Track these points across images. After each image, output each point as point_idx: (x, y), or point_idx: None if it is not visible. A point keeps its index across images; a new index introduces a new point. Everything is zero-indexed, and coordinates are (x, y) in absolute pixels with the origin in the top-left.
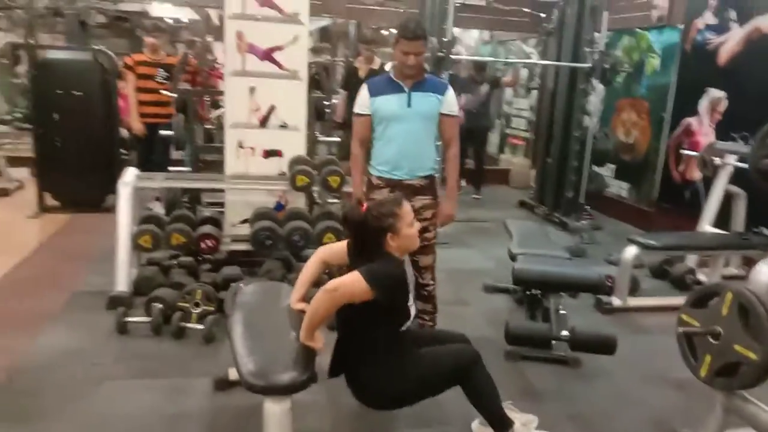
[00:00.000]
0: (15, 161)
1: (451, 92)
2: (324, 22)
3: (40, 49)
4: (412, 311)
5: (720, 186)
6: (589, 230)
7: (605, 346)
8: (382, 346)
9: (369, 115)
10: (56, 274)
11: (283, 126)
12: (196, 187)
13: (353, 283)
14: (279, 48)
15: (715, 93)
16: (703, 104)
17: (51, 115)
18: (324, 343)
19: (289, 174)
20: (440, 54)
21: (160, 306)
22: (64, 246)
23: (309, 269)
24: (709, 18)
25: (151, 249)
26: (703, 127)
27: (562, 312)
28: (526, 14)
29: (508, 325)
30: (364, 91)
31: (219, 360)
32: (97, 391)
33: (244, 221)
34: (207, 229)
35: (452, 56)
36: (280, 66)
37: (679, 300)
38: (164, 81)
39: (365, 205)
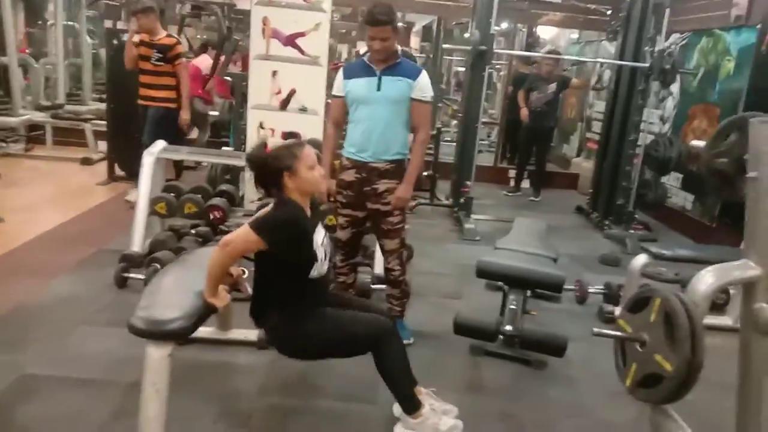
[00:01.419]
0: (102, 135)
1: (423, 77)
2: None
3: (119, 33)
4: (320, 254)
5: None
6: (634, 240)
7: (553, 347)
8: (285, 294)
9: (342, 96)
10: (92, 233)
11: (303, 109)
12: (216, 161)
13: (243, 235)
14: (302, 34)
15: None
16: None
17: (121, 93)
18: (227, 302)
19: None
20: (481, 48)
21: (157, 265)
22: (112, 210)
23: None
24: None
25: (166, 215)
26: None
27: (512, 307)
28: (589, 11)
29: (456, 315)
30: (340, 74)
31: None
32: (73, 332)
33: (260, 199)
34: (216, 201)
35: (495, 51)
36: (302, 51)
37: (715, 320)
38: (158, 63)
39: (268, 147)
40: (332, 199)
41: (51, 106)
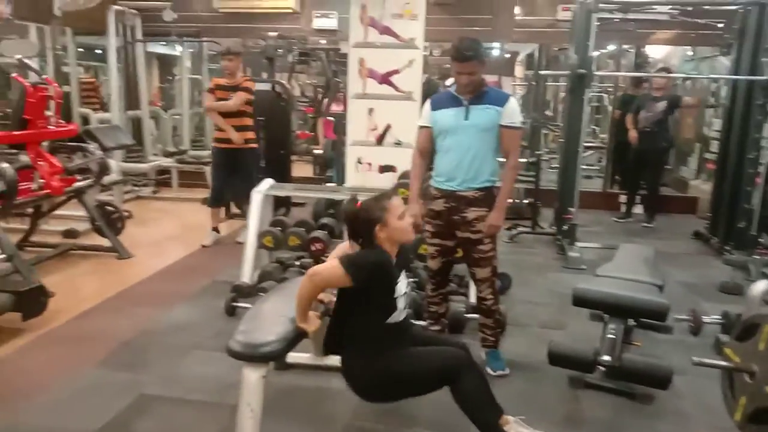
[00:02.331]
0: None
1: (512, 103)
2: (531, 47)
3: None
4: (400, 304)
5: None
6: (758, 265)
7: (656, 378)
8: (363, 334)
9: (429, 127)
10: (210, 266)
11: (398, 143)
12: (318, 196)
13: (331, 269)
14: (396, 71)
15: None
16: None
17: None
18: (317, 327)
19: (392, 187)
20: (580, 71)
21: (264, 295)
22: (228, 245)
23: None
24: None
25: (273, 248)
26: None
27: (610, 336)
28: (699, 26)
29: (550, 344)
30: (427, 106)
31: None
32: (187, 356)
33: None
34: (317, 233)
35: (595, 73)
36: (396, 88)
37: None
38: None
39: (360, 201)
40: (421, 227)
41: (177, 152)
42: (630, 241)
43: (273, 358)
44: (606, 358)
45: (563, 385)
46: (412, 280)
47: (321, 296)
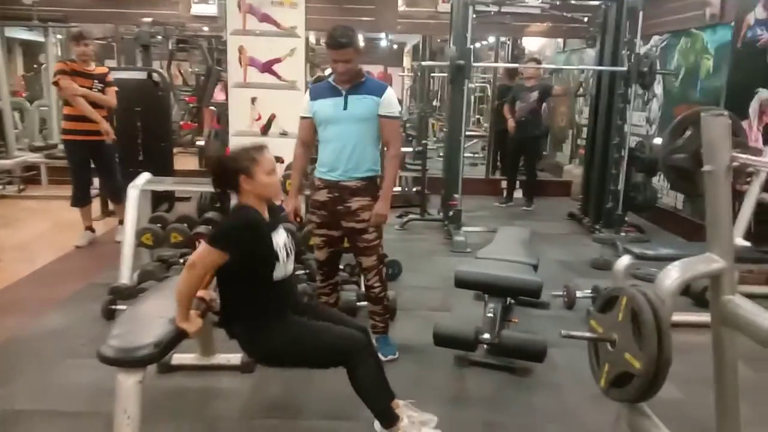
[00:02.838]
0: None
1: (389, 93)
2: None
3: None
4: (281, 255)
5: (752, 195)
6: (624, 243)
7: (532, 352)
8: (250, 299)
9: (310, 117)
10: (84, 268)
11: (284, 134)
12: (201, 190)
13: (204, 253)
14: (278, 60)
15: (765, 94)
16: (753, 106)
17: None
18: (198, 327)
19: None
20: (459, 63)
21: None
22: (105, 245)
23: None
24: (760, 12)
25: (152, 246)
26: (752, 131)
27: (489, 315)
28: (569, 19)
29: (435, 326)
30: (306, 96)
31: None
32: (60, 365)
33: None
34: (201, 229)
35: (473, 64)
36: (279, 77)
37: (697, 317)
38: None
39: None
40: (298, 219)
41: (45, 147)
42: (511, 224)
43: (149, 362)
44: (486, 336)
45: (450, 365)
46: (303, 271)
47: (201, 293)
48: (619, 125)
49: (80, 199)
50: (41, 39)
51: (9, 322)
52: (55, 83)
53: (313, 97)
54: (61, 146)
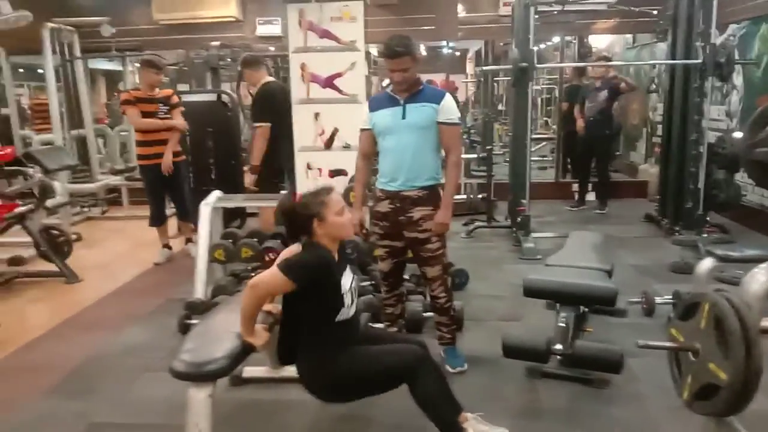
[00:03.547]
0: None
1: (447, 100)
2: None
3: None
4: (347, 300)
5: None
6: (706, 244)
7: (608, 362)
8: (314, 336)
9: (369, 129)
10: (163, 284)
11: (346, 146)
12: (269, 205)
13: (271, 276)
14: (339, 75)
15: None
16: None
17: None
18: (264, 341)
19: (344, 191)
20: (522, 65)
21: None
22: (182, 261)
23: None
24: None
25: (225, 261)
26: None
27: (561, 325)
28: (637, 13)
29: (503, 337)
30: (365, 108)
31: (249, 360)
32: (138, 379)
33: None
34: (270, 243)
35: (537, 66)
36: (340, 91)
37: None
38: (166, 116)
39: (299, 195)
40: (364, 230)
41: (125, 170)
42: (584, 228)
43: (218, 375)
44: (558, 346)
45: (521, 377)
46: (368, 282)
47: (268, 307)
48: (696, 120)
49: (157, 219)
50: (121, 68)
51: (92, 338)
52: (123, 112)
53: (372, 108)
54: None
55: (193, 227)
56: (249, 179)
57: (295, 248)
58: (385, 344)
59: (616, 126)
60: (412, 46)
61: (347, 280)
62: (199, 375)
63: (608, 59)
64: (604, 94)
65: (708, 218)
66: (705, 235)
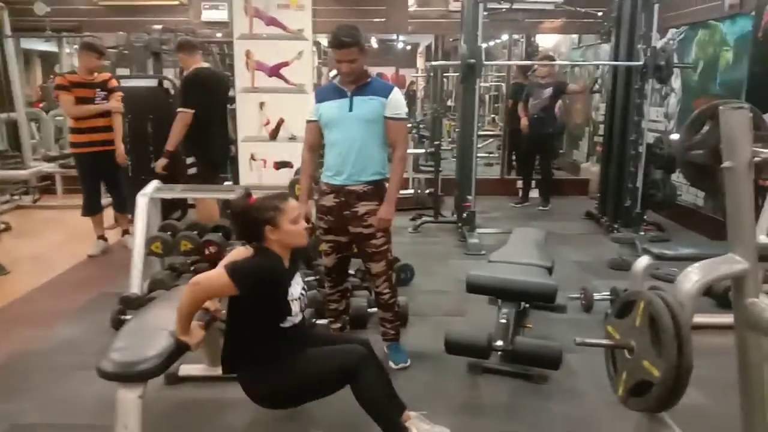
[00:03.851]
0: None
1: (395, 94)
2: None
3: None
4: (295, 308)
5: None
6: (643, 242)
7: (546, 359)
8: (258, 342)
9: (316, 120)
10: (97, 277)
11: (292, 138)
12: (212, 197)
13: (216, 277)
14: (285, 64)
15: None
16: None
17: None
18: (200, 339)
19: (289, 183)
20: (470, 61)
21: None
22: (118, 254)
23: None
24: None
25: (162, 254)
26: None
27: (502, 321)
28: (583, 14)
29: (446, 333)
30: (311, 99)
31: (186, 358)
32: (68, 377)
33: None
34: (211, 236)
35: (484, 63)
36: (287, 81)
37: (720, 318)
38: (103, 101)
39: (253, 197)
40: (310, 224)
41: (60, 156)
42: (527, 224)
43: (150, 376)
44: (499, 342)
45: (463, 373)
46: (313, 278)
47: (207, 303)
48: (636, 121)
49: (90, 208)
50: (56, 50)
51: (22, 334)
52: (56, 98)
53: (319, 99)
54: None
55: (130, 218)
56: (159, 164)
57: (244, 251)
58: (327, 345)
59: (560, 125)
60: (359, 37)
61: (296, 288)
62: (128, 375)
63: (552, 58)
64: (548, 92)
65: (645, 216)
66: (642, 233)
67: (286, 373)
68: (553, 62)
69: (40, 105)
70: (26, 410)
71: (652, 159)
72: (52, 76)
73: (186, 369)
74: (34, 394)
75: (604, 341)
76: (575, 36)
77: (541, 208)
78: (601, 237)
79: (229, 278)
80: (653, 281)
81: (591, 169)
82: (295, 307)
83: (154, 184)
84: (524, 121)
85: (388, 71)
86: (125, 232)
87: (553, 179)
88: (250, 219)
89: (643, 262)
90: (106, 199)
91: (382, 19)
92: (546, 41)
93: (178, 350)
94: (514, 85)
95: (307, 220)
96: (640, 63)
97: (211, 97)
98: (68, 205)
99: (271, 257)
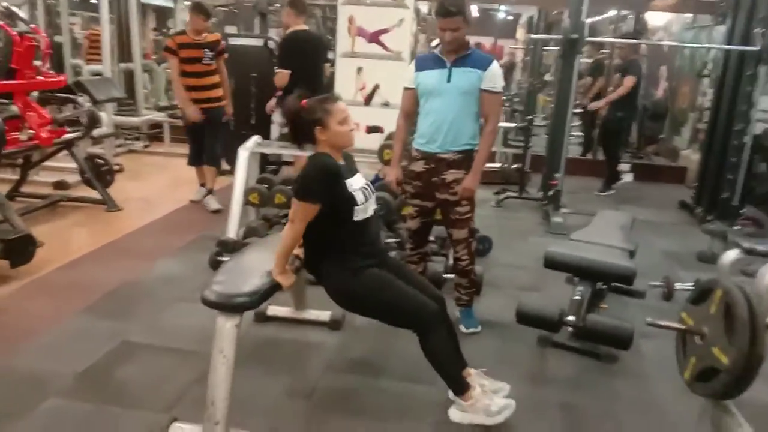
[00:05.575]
0: None
1: (494, 67)
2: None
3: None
4: (359, 197)
5: None
6: (736, 236)
7: (617, 338)
8: (332, 240)
9: (413, 88)
10: (197, 220)
11: (386, 104)
12: (305, 154)
13: (300, 209)
14: (385, 30)
15: None
16: None
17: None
18: (293, 281)
19: (378, 148)
20: (572, 36)
21: None
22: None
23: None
24: None
25: (258, 204)
26: None
27: (576, 298)
28: None
29: (518, 304)
30: (411, 66)
31: (275, 299)
32: (170, 307)
33: None
34: None
35: (587, 39)
36: (385, 47)
37: None
38: (210, 62)
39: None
40: (400, 188)
41: (169, 107)
42: (617, 208)
43: (246, 308)
44: (571, 318)
45: (531, 345)
46: (393, 240)
47: (297, 251)
48: (744, 110)
49: (195, 159)
50: (172, 5)
51: (129, 264)
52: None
53: (418, 68)
54: None
55: (217, 174)
56: (270, 105)
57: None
58: (409, 282)
59: (630, 108)
60: (465, 7)
61: (356, 182)
62: (228, 305)
63: (638, 37)
64: (617, 75)
65: (743, 211)
66: (738, 227)
67: (367, 282)
68: (661, 42)
69: (153, 57)
70: (135, 331)
71: (758, 151)
72: (164, 31)
73: (274, 310)
74: (142, 319)
75: (675, 324)
76: (688, 15)
77: (597, 192)
78: (693, 228)
79: (300, 200)
80: (741, 277)
81: (691, 157)
82: (359, 196)
83: (255, 139)
84: (596, 103)
85: (487, 41)
86: (209, 192)
87: (647, 165)
88: (301, 120)
89: (731, 255)
90: None
91: None
92: (656, 19)
93: (271, 289)
94: (593, 62)
95: (398, 183)
96: (756, 48)
97: (307, 59)
98: (174, 153)
99: (320, 157)
